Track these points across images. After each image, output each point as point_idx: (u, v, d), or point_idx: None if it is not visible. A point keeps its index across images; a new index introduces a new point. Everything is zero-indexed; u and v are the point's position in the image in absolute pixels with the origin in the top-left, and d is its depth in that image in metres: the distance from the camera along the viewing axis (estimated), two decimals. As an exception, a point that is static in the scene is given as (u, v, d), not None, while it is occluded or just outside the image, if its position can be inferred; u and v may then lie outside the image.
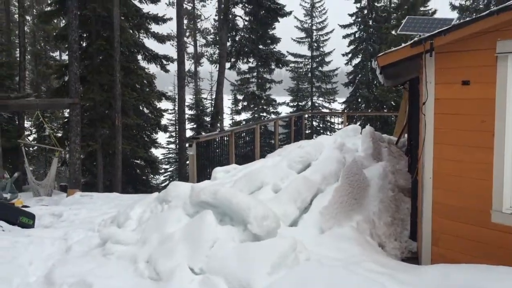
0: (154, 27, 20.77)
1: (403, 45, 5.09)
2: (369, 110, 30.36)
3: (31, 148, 19.40)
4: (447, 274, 3.97)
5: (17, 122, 18.81)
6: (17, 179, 13.44)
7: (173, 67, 21.65)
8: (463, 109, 4.75)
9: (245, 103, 30.71)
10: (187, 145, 8.87)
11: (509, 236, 4.47)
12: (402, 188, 7.85)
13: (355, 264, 4.36)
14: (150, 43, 21.08)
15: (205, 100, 29.28)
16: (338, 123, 20.69)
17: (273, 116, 28.94)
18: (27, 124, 25.19)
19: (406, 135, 12.03)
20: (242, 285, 3.96)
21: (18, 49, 22.51)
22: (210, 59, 32.05)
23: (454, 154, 4.85)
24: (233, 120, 32.25)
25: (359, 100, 32.27)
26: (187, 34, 34.99)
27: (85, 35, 18.75)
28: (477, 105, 4.63)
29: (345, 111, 30.37)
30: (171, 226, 5.00)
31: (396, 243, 5.98)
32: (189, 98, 26.63)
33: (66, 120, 19.15)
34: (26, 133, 19.83)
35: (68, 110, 16.87)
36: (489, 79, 4.50)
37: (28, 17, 32.17)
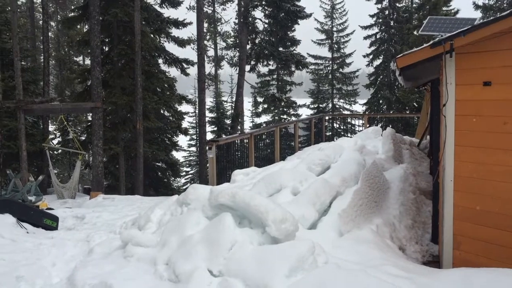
0: (174, 31, 21.00)
1: (423, 46, 5.04)
2: (391, 112, 30.03)
3: (55, 152, 19.77)
4: (467, 278, 3.91)
5: (41, 126, 19.18)
6: (41, 182, 13.70)
7: (193, 70, 21.84)
8: (484, 111, 4.67)
9: (265, 106, 30.73)
10: (206, 147, 8.90)
11: (533, 240, 4.38)
12: (423, 191, 7.76)
13: (374, 267, 4.32)
14: (171, 47, 21.32)
15: (225, 103, 29.39)
16: (359, 125, 20.55)
17: (293, 118, 28.86)
18: (51, 128, 25.71)
19: (428, 137, 11.88)
20: (260, 287, 3.96)
21: (42, 55, 22.94)
22: (230, 62, 32.20)
23: (476, 156, 4.78)
24: (253, 123, 32.28)
25: (381, 101, 31.93)
26: (208, 37, 35.15)
27: (107, 40, 19.04)
28: (499, 106, 4.55)
29: (366, 112, 30.10)
30: (190, 228, 5.03)
31: (417, 247, 5.91)
32: (209, 101, 26.78)
33: (89, 123, 19.47)
34: (51, 136, 20.21)
35: (91, 114, 17.16)
36: (511, 79, 4.42)
37: (52, 23, 32.86)
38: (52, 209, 10.99)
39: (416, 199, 7.29)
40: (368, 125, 17.97)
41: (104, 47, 18.63)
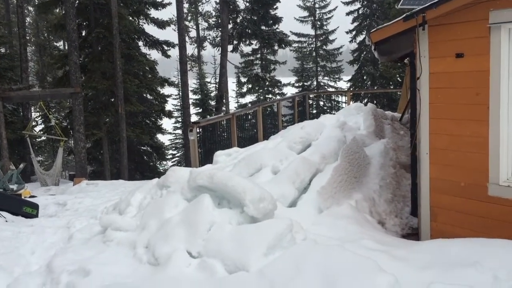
0: (153, 13, 20.66)
1: (395, 19, 5.01)
2: (375, 88, 30.12)
3: (37, 139, 19.52)
4: (442, 249, 3.98)
5: (21, 114, 18.89)
6: (25, 170, 13.57)
7: (175, 52, 21.59)
8: (458, 83, 4.69)
9: (250, 86, 30.58)
10: (188, 130, 8.85)
11: (507, 209, 4.45)
12: (404, 165, 7.82)
13: (352, 242, 4.37)
14: (151, 29, 21.00)
15: (209, 84, 29.20)
16: (344, 102, 20.55)
17: (278, 97, 28.78)
18: (35, 115, 25.34)
19: (409, 111, 11.93)
20: (238, 266, 3.98)
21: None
22: (213, 42, 31.93)
23: (450, 129, 4.81)
24: (238, 103, 32.16)
25: (365, 77, 31.99)
26: (189, 18, 34.78)
27: (84, 24, 18.66)
28: (471, 77, 4.57)
29: (350, 89, 30.13)
30: (169, 211, 5.03)
31: (396, 220, 5.98)
32: (192, 83, 26.55)
33: (70, 109, 19.25)
34: (32, 124, 19.90)
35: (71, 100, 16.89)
36: (483, 50, 4.43)
37: (30, 8, 32.15)
38: (35, 196, 10.90)
39: (396, 173, 7.34)
40: (351, 102, 17.98)
41: (82, 31, 18.29)
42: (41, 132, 19.68)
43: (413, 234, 5.74)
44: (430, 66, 4.86)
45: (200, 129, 10.20)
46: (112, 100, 17.98)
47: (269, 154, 6.72)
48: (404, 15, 4.84)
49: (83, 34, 18.68)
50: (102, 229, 5.25)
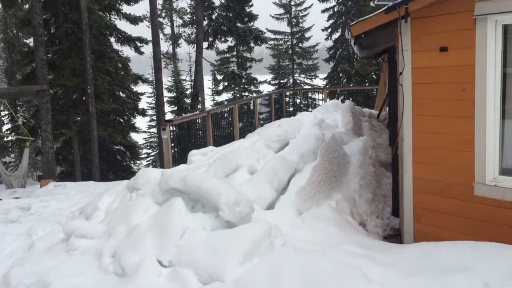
0: (126, 8, 20.10)
1: (377, 11, 4.78)
2: (351, 85, 30.12)
3: (4, 139, 18.73)
4: (429, 253, 3.75)
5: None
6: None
7: (148, 49, 21.05)
8: (442, 78, 4.48)
9: (226, 83, 30.22)
10: (161, 128, 8.48)
11: (494, 210, 4.26)
12: (383, 163, 7.64)
13: (333, 247, 4.12)
14: (123, 25, 20.43)
15: (184, 82, 28.69)
16: (320, 100, 20.41)
17: (254, 95, 28.51)
18: (2, 113, 24.40)
19: (387, 108, 11.81)
20: (212, 276, 3.69)
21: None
22: (188, 39, 31.41)
23: (434, 126, 4.60)
24: (214, 101, 31.76)
25: (341, 75, 31.99)
26: (163, 14, 34.15)
27: (52, 19, 17.94)
28: (456, 72, 4.36)
29: (327, 86, 30.06)
30: (138, 216, 4.70)
31: (377, 221, 5.77)
32: (167, 81, 26.05)
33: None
34: None
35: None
36: (468, 44, 4.22)
37: (-1, 4, 31.05)
38: (0, 199, 10.39)
39: (376, 171, 7.16)
40: (328, 99, 17.84)
41: (50, 27, 17.57)
42: (8, 132, 18.91)
43: (395, 236, 5.54)
44: (413, 60, 4.64)
45: (175, 128, 9.87)
46: (83, 98, 17.36)
47: (246, 153, 6.41)
48: (386, 6, 4.60)
49: (52, 29, 17.95)
50: (65, 237, 4.88)
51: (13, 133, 17.36)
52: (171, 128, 8.61)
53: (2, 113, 23.65)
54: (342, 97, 29.19)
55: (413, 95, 4.70)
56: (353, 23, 4.94)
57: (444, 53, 4.41)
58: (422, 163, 4.75)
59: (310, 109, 27.29)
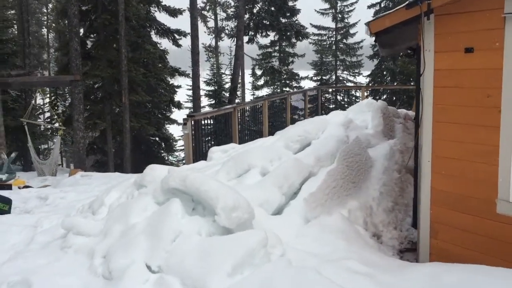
0: (166, 0, 20.14)
1: (398, 7, 4.39)
2: (395, 84, 29.17)
3: (42, 128, 19.22)
4: (437, 276, 3.38)
5: (24, 101, 18.55)
6: (26, 158, 13.28)
7: (188, 42, 21.05)
8: (466, 82, 4.05)
9: (267, 78, 29.97)
10: (182, 123, 8.33)
11: (518, 230, 3.82)
12: (410, 169, 7.17)
13: (334, 262, 3.80)
14: (164, 18, 20.46)
15: (224, 76, 28.63)
16: (363, 98, 19.81)
17: (290, 91, 28.13)
18: (41, 102, 25.01)
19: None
20: (197, 287, 3.46)
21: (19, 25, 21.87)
22: (230, 33, 31.33)
23: (456, 134, 4.19)
24: (254, 95, 31.56)
25: (385, 73, 31.00)
26: (207, 7, 34.26)
27: (91, 10, 18.16)
28: (482, 76, 3.93)
29: (369, 84, 29.28)
30: (136, 215, 4.53)
31: (395, 232, 5.38)
32: (205, 74, 26.06)
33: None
34: (32, 111, 19.49)
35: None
36: (496, 45, 3.79)
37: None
38: (31, 186, 10.59)
39: (401, 178, 6.72)
40: (369, 98, 17.30)
41: (91, 17, 17.79)
42: (48, 120, 19.40)
43: (411, 250, 5.14)
44: (436, 61, 4.24)
45: (205, 121, 9.76)
46: (116, 89, 17.53)
47: (260, 154, 6.14)
48: (407, 2, 4.21)
49: (92, 19, 18.15)
50: (65, 232, 4.78)
51: (46, 122, 17.79)
52: (191, 123, 8.41)
53: (39, 102, 24.30)
54: (385, 96, 28.39)
55: (435, 99, 4.30)
56: (372, 19, 4.56)
57: (469, 54, 3.99)
58: (441, 173, 4.35)
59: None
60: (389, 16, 4.40)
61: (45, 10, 38.42)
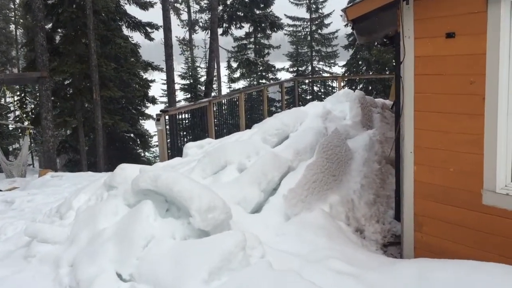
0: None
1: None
2: (370, 73, 29.21)
3: (10, 127, 18.56)
4: (425, 274, 3.21)
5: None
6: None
7: (161, 35, 20.59)
8: (448, 68, 3.89)
9: (243, 70, 29.64)
10: (156, 119, 8.03)
11: (504, 221, 3.69)
12: (390, 160, 7.04)
13: (316, 262, 3.61)
14: (134, 10, 19.92)
15: (199, 69, 28.19)
16: (342, 87, 19.71)
17: (267, 82, 27.90)
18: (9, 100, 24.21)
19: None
20: (171, 296, 3.23)
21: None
22: (204, 26, 30.84)
23: (439, 124, 4.02)
24: (231, 88, 31.20)
25: (360, 62, 30.99)
26: (180, 0, 33.65)
27: (57, 3, 17.50)
28: (464, 62, 3.77)
29: (342, 75, 29.22)
30: (105, 220, 4.25)
31: (377, 226, 5.23)
32: (180, 68, 25.60)
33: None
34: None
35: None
36: (478, 29, 3.62)
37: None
38: (0, 190, 10.15)
39: (381, 169, 6.58)
40: (346, 88, 17.18)
41: (58, 10, 17.15)
42: (17, 119, 18.74)
43: (395, 243, 5.00)
44: (416, 48, 4.06)
45: (180, 116, 9.50)
46: (88, 85, 17.03)
47: (237, 149, 5.90)
48: (385, -14, 4.01)
49: (59, 12, 17.52)
50: (29, 240, 4.47)
51: (13, 122, 17.17)
52: (165, 118, 8.12)
53: (9, 100, 23.54)
54: (360, 86, 28.38)
55: (416, 88, 4.13)
56: (348, 5, 4.36)
57: (450, 39, 3.82)
58: (424, 165, 4.19)
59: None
60: (366, 2, 4.20)
61: (12, 6, 37.31)
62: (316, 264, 3.55)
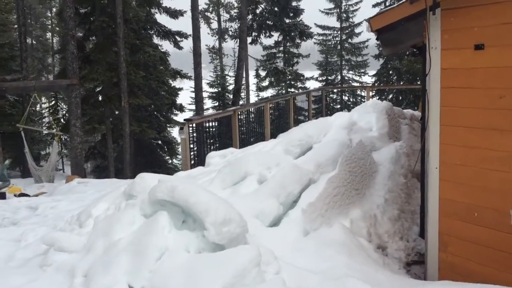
0: (167, 2, 19.90)
1: (401, 1, 4.05)
2: (401, 83, 28.75)
3: (41, 132, 18.98)
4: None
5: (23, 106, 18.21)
6: (23, 165, 13.04)
7: (190, 44, 20.75)
8: (476, 82, 3.71)
9: (271, 79, 29.64)
10: (179, 128, 8.02)
11: (536, 244, 3.47)
12: (417, 173, 6.81)
13: (334, 280, 3.47)
14: (166, 20, 20.20)
15: (228, 77, 28.33)
16: (370, 97, 19.46)
17: (295, 91, 27.80)
18: (44, 106, 24.73)
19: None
20: (181, 312, 3.15)
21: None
22: (234, 34, 31.04)
23: (466, 139, 3.84)
24: (259, 97, 31.23)
25: (390, 72, 30.58)
26: (211, 9, 34.01)
27: (89, 12, 17.88)
28: (493, 75, 3.58)
29: (372, 84, 28.91)
30: (122, 230, 4.21)
31: (401, 243, 5.03)
32: (209, 76, 25.78)
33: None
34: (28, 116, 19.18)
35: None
36: (509, 41, 3.44)
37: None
38: (27, 194, 10.33)
39: (407, 183, 6.36)
40: (374, 98, 16.95)
41: (91, 19, 17.52)
42: (48, 125, 19.14)
43: (419, 262, 4.79)
44: (442, 60, 3.89)
45: (207, 124, 9.55)
46: (117, 92, 17.24)
47: (257, 160, 5.81)
48: (411, -5, 3.87)
49: (92, 21, 17.90)
50: (47, 248, 4.48)
51: (44, 128, 17.53)
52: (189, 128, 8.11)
53: (43, 106, 24.09)
54: (391, 96, 27.99)
55: (442, 101, 3.95)
56: (373, 15, 4.23)
57: (479, 51, 3.64)
58: (450, 181, 4.00)
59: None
60: (391, 12, 4.07)
61: (49, 14, 38.44)
62: (333, 282, 3.41)
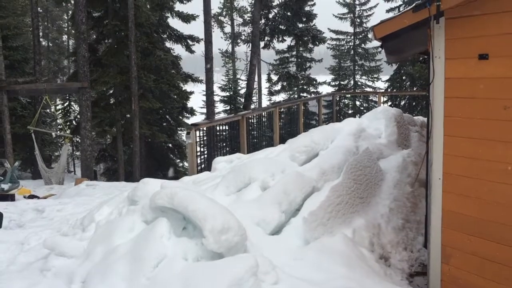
0: (179, 6, 19.98)
1: (405, 10, 4.01)
2: (414, 89, 28.49)
3: (53, 134, 19.15)
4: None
5: (34, 108, 18.37)
6: (35, 166, 13.17)
7: (202, 48, 20.82)
8: (480, 92, 3.64)
9: (283, 84, 29.59)
10: (186, 132, 8.03)
11: (540, 259, 3.39)
12: (424, 182, 6.72)
13: (332, 292, 3.43)
14: (178, 24, 20.31)
15: (240, 81, 28.34)
16: (382, 103, 19.30)
17: (308, 96, 27.72)
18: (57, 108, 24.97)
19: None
20: (176, 322, 3.13)
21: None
22: (247, 39, 31.07)
23: (470, 150, 3.77)
24: (271, 101, 31.18)
25: (404, 78, 30.32)
26: (224, 13, 34.06)
27: (102, 16, 18.04)
28: (498, 85, 3.52)
29: (385, 90, 28.70)
30: (121, 236, 4.22)
31: (404, 254, 4.96)
32: (221, 80, 25.81)
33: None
34: (48, 119, 19.42)
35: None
36: (514, 51, 3.37)
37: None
38: (37, 196, 10.42)
39: (414, 192, 6.29)
40: (386, 103, 16.81)
41: (102, 23, 17.69)
42: (60, 127, 19.30)
43: (423, 273, 4.72)
44: (446, 69, 3.83)
45: (219, 127, 9.59)
46: (128, 96, 17.33)
47: (262, 166, 5.78)
48: (415, 4, 3.83)
49: (105, 24, 18.05)
50: (48, 252, 4.49)
51: (53, 130, 17.68)
52: (196, 133, 8.12)
53: (57, 108, 24.28)
54: (403, 102, 27.76)
55: (446, 111, 3.89)
56: (377, 23, 4.19)
57: (483, 61, 3.58)
58: (453, 193, 3.93)
59: (369, 113, 25.98)
60: (395, 20, 4.02)
61: (66, 17, 38.89)
62: (330, 295, 3.37)
